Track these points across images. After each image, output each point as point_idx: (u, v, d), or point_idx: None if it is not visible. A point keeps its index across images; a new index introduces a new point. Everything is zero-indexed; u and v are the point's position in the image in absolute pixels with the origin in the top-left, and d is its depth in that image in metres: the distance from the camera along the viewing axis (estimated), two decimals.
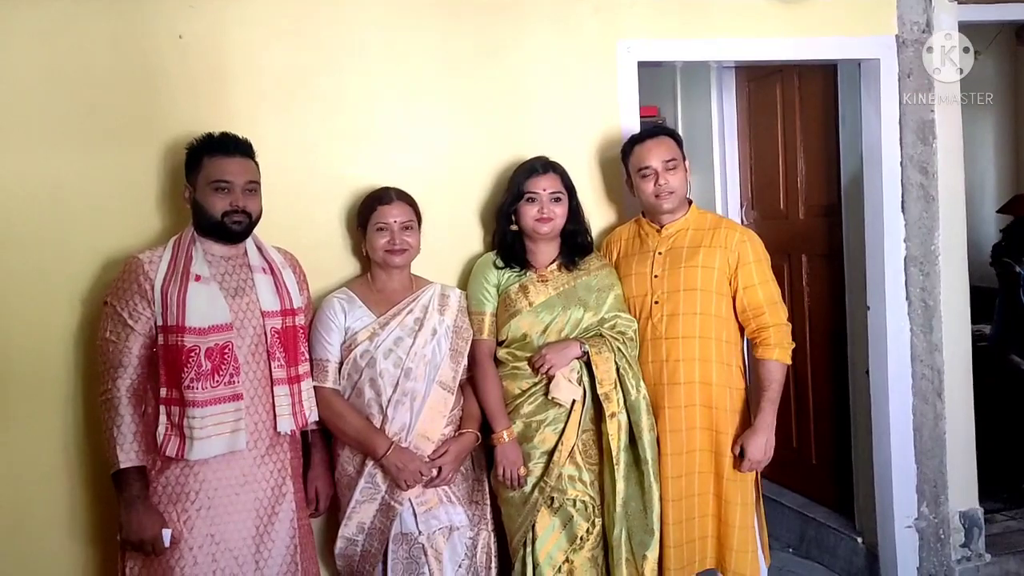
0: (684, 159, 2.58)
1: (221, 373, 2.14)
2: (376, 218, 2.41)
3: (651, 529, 2.43)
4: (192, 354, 2.11)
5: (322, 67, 2.59)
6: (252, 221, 2.26)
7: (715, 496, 2.52)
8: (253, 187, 2.26)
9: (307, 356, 2.34)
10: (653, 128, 2.69)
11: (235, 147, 2.24)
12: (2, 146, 2.34)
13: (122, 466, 2.09)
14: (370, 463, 2.33)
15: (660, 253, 2.56)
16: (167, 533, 2.11)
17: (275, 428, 2.23)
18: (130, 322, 2.14)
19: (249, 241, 2.30)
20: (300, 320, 2.31)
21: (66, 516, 2.41)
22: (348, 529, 2.36)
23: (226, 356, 2.15)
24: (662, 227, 2.58)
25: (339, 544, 2.37)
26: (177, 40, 2.45)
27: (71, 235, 2.39)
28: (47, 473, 2.39)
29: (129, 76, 2.43)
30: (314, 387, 2.34)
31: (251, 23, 2.52)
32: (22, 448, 2.37)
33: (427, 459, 2.34)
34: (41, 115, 2.37)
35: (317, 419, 2.35)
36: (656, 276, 2.54)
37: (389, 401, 2.33)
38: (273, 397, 2.22)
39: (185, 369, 2.11)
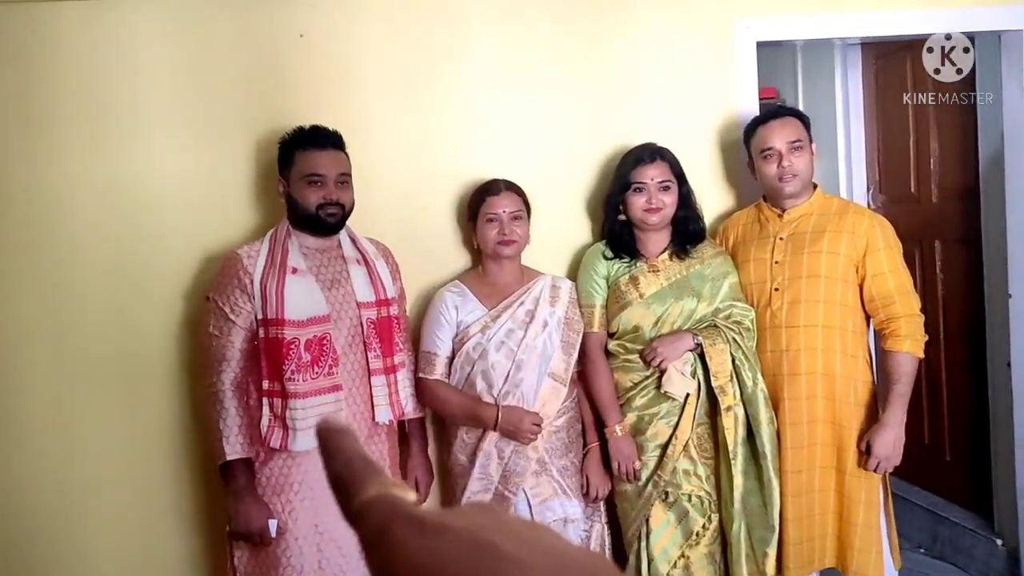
0: (810, 141, 2.47)
1: (320, 364, 2.17)
2: (486, 209, 2.41)
3: (771, 525, 2.35)
4: (292, 346, 2.14)
5: (434, 62, 2.61)
6: (345, 213, 2.28)
7: (836, 493, 2.41)
8: (345, 179, 2.27)
9: (402, 346, 2.34)
10: (778, 108, 2.59)
11: (326, 140, 2.25)
12: (128, 144, 2.46)
13: (228, 458, 2.13)
14: (481, 454, 2.34)
15: (782, 238, 2.46)
16: (273, 524, 2.15)
17: (373, 418, 2.25)
18: (232, 316, 2.18)
19: (343, 233, 2.32)
20: (394, 310, 2.33)
21: (174, 506, 2.51)
22: None
23: (325, 348, 2.18)
24: (784, 211, 2.48)
25: None
26: (298, 39, 2.52)
27: (178, 231, 2.49)
28: (157, 465, 2.50)
29: (251, 74, 2.51)
30: (419, 378, 2.36)
31: (368, 21, 2.57)
32: (132, 442, 2.49)
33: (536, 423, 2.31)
34: (165, 114, 2.47)
35: (412, 409, 2.37)
36: (777, 262, 2.45)
37: (500, 393, 2.34)
38: (371, 388, 2.24)
39: (286, 361, 2.14)
